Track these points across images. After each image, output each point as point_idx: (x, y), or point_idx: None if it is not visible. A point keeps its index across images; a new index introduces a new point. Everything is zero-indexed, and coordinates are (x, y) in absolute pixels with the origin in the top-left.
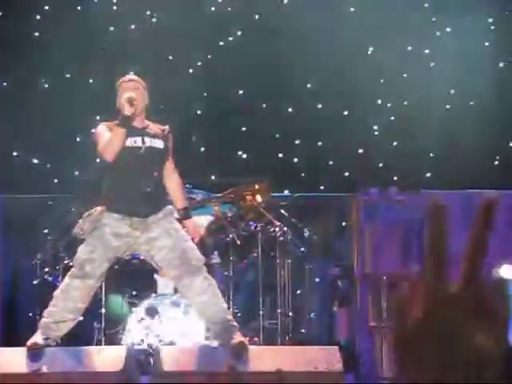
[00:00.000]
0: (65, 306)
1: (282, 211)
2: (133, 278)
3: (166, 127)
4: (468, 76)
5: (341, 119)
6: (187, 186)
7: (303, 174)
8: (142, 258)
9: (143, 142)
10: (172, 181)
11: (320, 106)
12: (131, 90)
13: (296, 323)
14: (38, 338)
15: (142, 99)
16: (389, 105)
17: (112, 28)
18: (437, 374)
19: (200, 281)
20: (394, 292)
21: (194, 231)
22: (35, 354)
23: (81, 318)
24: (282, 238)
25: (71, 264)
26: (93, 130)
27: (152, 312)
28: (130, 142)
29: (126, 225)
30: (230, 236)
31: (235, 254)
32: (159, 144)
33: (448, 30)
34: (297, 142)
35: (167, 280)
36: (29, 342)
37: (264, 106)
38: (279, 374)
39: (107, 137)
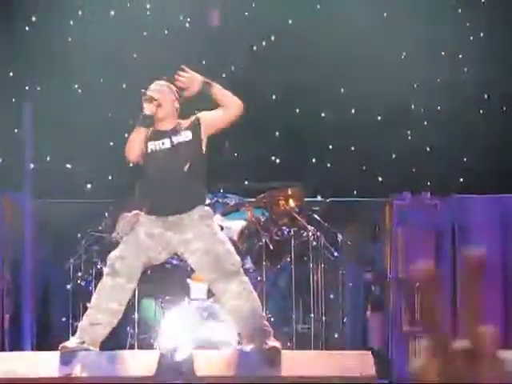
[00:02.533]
0: (98, 306)
1: (315, 216)
2: (166, 282)
3: (195, 116)
4: (501, 81)
5: (374, 124)
6: (220, 191)
7: (336, 179)
8: (174, 262)
9: (172, 143)
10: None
11: (353, 111)
12: (154, 95)
13: (329, 328)
14: (71, 342)
15: (167, 102)
16: (422, 110)
17: (145, 33)
18: None
19: (235, 285)
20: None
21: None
22: (67, 357)
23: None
24: (314, 243)
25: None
26: (127, 135)
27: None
28: (158, 144)
29: (158, 225)
30: (263, 241)
31: (268, 259)
32: (187, 136)
33: (482, 34)
34: (330, 146)
35: (200, 284)
36: (60, 346)
37: (297, 111)
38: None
39: (130, 139)
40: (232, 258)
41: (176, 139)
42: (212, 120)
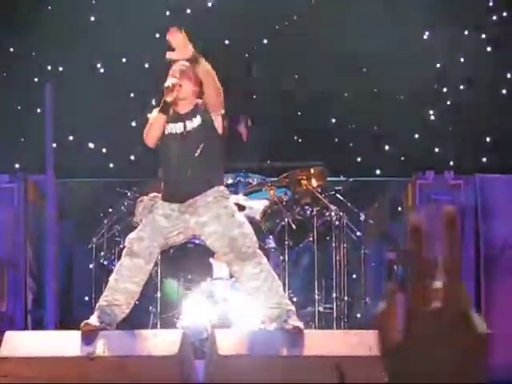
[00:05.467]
0: (116, 286)
1: (338, 196)
2: (188, 262)
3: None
4: None
5: (397, 104)
6: (243, 171)
7: (359, 159)
8: (197, 242)
9: (185, 128)
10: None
11: (376, 90)
12: (176, 75)
13: (352, 308)
14: (92, 321)
15: (189, 83)
16: (445, 89)
17: (168, 13)
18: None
19: (251, 267)
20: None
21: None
22: (88, 336)
23: (136, 302)
24: (337, 223)
25: None
26: (149, 115)
27: (210, 295)
28: (172, 128)
29: (174, 209)
30: (286, 220)
31: (291, 239)
32: (197, 121)
33: (505, 14)
34: (353, 126)
35: (222, 264)
36: (82, 324)
37: (320, 90)
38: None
39: (149, 123)
40: (248, 240)
41: (189, 124)
42: (206, 99)
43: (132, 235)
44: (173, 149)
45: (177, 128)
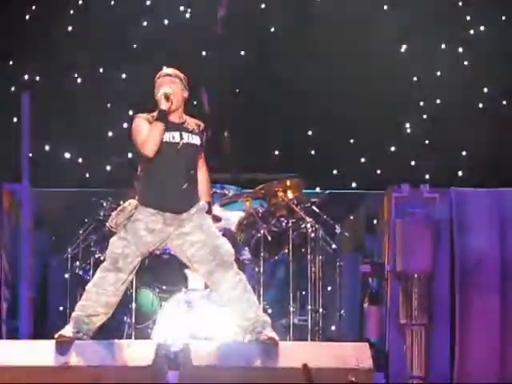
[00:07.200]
0: (97, 299)
1: (314, 208)
2: (163, 272)
3: (202, 124)
4: (501, 75)
5: (373, 117)
6: (219, 182)
7: (335, 171)
8: (173, 252)
9: (181, 138)
10: (201, 174)
11: (352, 102)
12: (167, 85)
13: (326, 320)
14: (67, 331)
15: (178, 93)
16: (421, 103)
17: (145, 23)
18: None
19: (231, 276)
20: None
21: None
22: (63, 346)
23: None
24: (313, 235)
25: (102, 258)
26: (125, 125)
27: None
28: (167, 137)
29: (159, 220)
30: (261, 232)
31: (266, 251)
32: (196, 140)
33: (482, 28)
34: (329, 139)
35: (198, 275)
36: (57, 335)
37: (298, 103)
38: (305, 368)
39: (147, 131)
40: (228, 249)
41: (186, 137)
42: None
43: (115, 250)
44: (168, 158)
45: (172, 137)
